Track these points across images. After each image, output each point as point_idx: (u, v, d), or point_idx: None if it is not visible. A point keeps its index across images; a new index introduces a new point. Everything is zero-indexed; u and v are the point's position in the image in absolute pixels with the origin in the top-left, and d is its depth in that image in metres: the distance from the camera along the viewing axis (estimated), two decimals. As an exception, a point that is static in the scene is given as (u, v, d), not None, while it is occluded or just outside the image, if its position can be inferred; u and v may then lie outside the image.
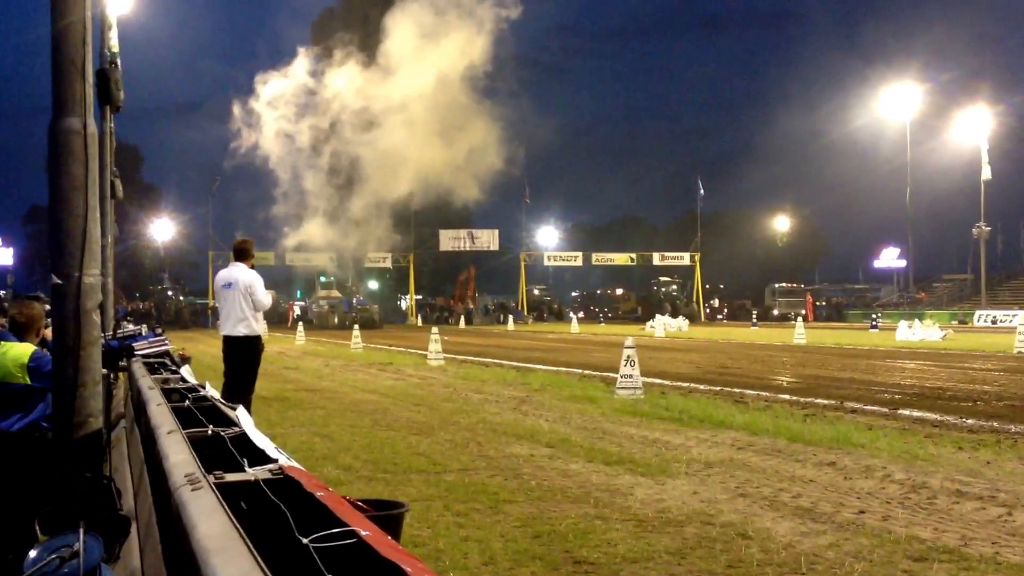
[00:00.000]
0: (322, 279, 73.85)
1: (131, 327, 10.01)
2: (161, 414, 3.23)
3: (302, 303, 70.80)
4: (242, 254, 10.18)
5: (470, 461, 8.13)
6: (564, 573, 4.76)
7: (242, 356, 9.92)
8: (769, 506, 6.33)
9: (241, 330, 9.85)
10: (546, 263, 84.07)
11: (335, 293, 70.00)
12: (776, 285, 77.97)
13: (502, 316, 69.94)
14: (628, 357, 13.38)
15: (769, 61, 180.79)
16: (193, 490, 1.90)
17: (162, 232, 78.58)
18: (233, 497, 1.92)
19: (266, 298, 10.12)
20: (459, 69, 44.26)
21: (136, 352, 6.44)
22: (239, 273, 9.94)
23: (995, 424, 10.32)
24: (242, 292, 9.81)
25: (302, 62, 46.39)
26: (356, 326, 36.54)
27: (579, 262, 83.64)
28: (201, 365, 15.29)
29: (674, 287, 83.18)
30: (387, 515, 2.91)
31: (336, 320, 61.37)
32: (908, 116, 77.29)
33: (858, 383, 16.12)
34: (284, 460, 2.34)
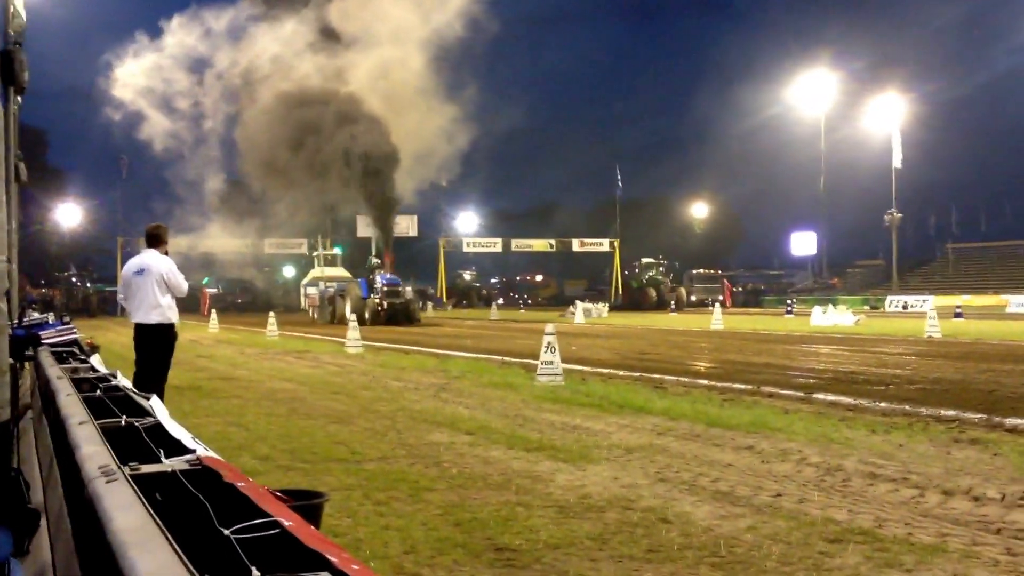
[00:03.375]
0: (318, 252, 64.84)
1: (36, 315, 9.73)
2: (71, 404, 3.13)
3: (214, 290, 66.58)
4: (155, 240, 9.95)
5: (390, 449, 8.07)
6: (486, 560, 4.74)
7: (155, 344, 9.71)
8: (688, 490, 6.39)
9: (154, 317, 9.63)
10: (465, 249, 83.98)
11: (342, 272, 60.51)
12: (694, 271, 78.31)
13: (421, 303, 69.69)
14: (548, 344, 13.42)
15: (691, 49, 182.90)
16: (108, 482, 1.83)
17: (68, 217, 76.37)
18: (150, 489, 1.85)
19: (185, 283, 9.93)
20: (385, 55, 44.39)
21: (43, 341, 6.25)
22: (152, 259, 9.72)
23: (907, 407, 10.57)
24: (156, 279, 9.59)
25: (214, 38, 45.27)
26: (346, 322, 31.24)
27: (499, 248, 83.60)
28: (111, 354, 14.94)
29: (660, 270, 73.14)
30: (307, 505, 2.87)
31: (345, 311, 38.48)
32: (823, 104, 78.92)
33: (774, 368, 16.41)
34: (202, 451, 2.28)
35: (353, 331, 21.71)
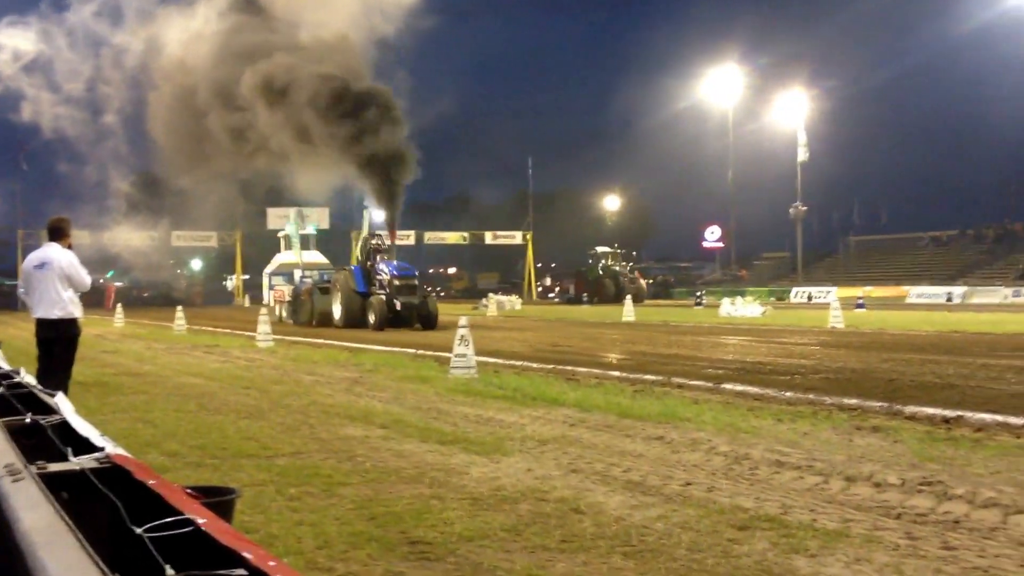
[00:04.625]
0: (288, 231, 52.79)
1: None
2: (-27, 402, 3.04)
3: (120, 284, 63.37)
4: (57, 233, 9.70)
5: (302, 444, 8.00)
6: (400, 554, 4.74)
7: (58, 339, 9.48)
8: (601, 481, 6.47)
9: (56, 312, 9.40)
10: (375, 242, 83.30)
11: (318, 258, 51.30)
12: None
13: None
14: (462, 336, 13.44)
15: (609, 42, 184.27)
16: (14, 481, 1.79)
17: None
18: (58, 488, 1.82)
19: (88, 278, 9.70)
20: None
21: (-59, 336, 6.04)
22: (55, 253, 9.47)
23: (812, 396, 10.84)
24: (58, 273, 9.36)
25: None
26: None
27: (412, 241, 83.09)
28: (13, 350, 14.48)
29: (618, 259, 68.45)
30: (219, 501, 2.83)
31: (332, 310, 31.87)
32: (731, 99, 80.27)
33: (684, 359, 16.69)
34: (111, 448, 2.24)
35: (264, 324, 21.41)
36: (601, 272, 66.77)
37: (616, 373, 14.00)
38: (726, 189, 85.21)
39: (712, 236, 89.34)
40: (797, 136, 74.28)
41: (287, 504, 5.77)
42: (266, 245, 78.64)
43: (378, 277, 30.75)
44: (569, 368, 14.76)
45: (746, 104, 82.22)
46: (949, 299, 58.59)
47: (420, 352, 18.34)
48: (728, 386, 12.03)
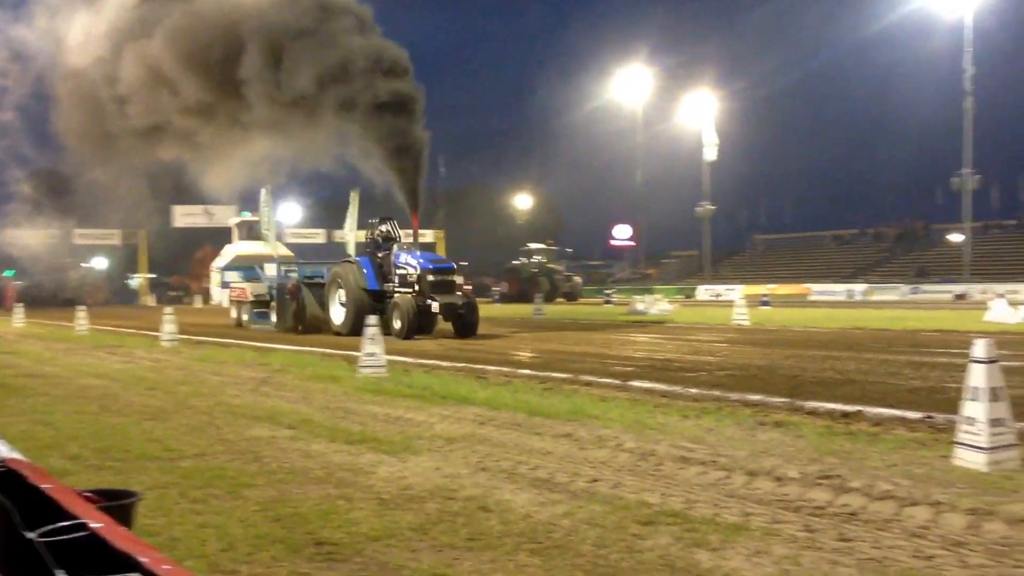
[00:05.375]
0: (241, 219, 46.26)
1: None
2: None
3: (19, 283, 60.21)
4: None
5: (208, 446, 7.88)
6: (306, 555, 4.71)
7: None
8: (509, 479, 6.51)
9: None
10: (287, 240, 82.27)
11: (285, 251, 38.35)
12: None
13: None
14: (371, 335, 13.37)
15: (520, 40, 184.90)
16: (-102, 488, 1.75)
17: None
18: (-55, 494, 1.78)
19: None
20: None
21: None
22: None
23: (717, 393, 11.04)
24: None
25: None
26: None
27: (322, 239, 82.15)
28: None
29: (551, 256, 66.22)
30: (118, 505, 2.79)
31: (329, 313, 25.76)
32: (640, 98, 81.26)
33: (593, 357, 16.85)
34: (5, 451, 2.20)
35: (169, 324, 21.00)
36: (536, 270, 65.50)
37: (526, 371, 14.08)
38: (636, 188, 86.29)
39: (621, 235, 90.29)
40: (704, 136, 75.52)
41: (191, 507, 5.69)
42: (172, 244, 76.77)
43: (398, 271, 24.17)
44: (479, 366, 14.79)
45: (656, 104, 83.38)
46: (850, 296, 60.24)
47: (329, 351, 18.19)
48: (636, 383, 12.19)
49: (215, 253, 70.30)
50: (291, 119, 27.77)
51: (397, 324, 22.80)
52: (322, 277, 27.27)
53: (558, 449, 7.64)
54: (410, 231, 26.35)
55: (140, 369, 15.13)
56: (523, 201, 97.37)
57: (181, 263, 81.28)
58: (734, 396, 10.72)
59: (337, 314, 25.32)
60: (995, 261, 69.21)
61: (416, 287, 23.38)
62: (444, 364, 15.32)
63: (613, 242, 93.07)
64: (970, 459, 6.58)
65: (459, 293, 23.88)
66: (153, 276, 78.30)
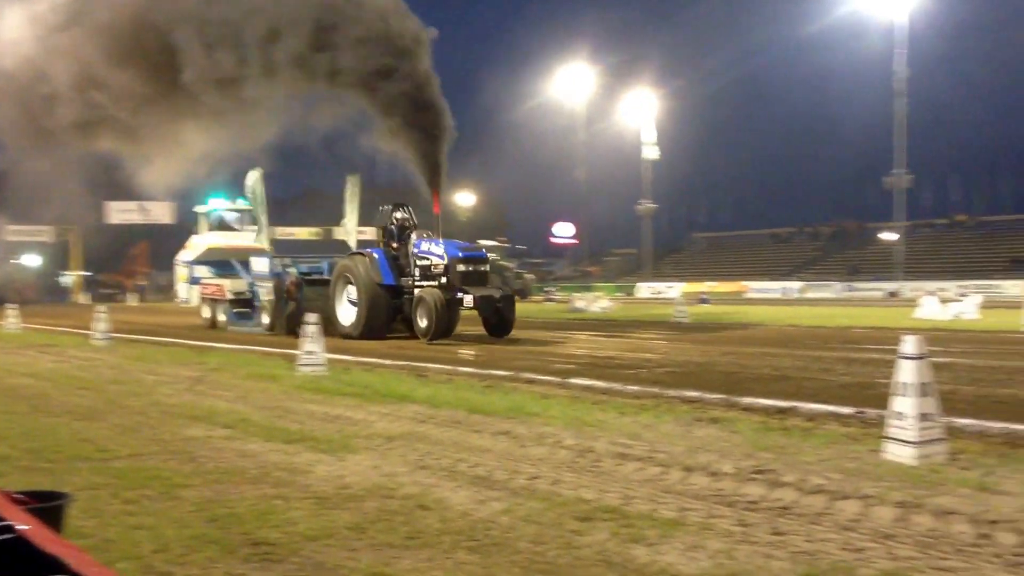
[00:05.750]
0: (208, 210, 38.44)
1: None
2: None
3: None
4: None
5: (142, 446, 7.76)
6: (241, 556, 4.67)
7: None
8: (448, 476, 6.51)
9: None
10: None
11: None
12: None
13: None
14: (311, 333, 13.27)
15: (462, 39, 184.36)
16: None
17: None
18: None
19: None
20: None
21: None
22: None
23: (656, 390, 11.12)
24: None
25: None
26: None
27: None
28: None
29: (504, 254, 61.10)
30: (47, 507, 2.74)
31: (335, 312, 22.35)
32: (582, 96, 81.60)
33: (534, 354, 16.90)
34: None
35: (101, 322, 20.65)
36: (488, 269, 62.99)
37: (467, 369, 14.07)
38: (578, 186, 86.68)
39: (562, 232, 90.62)
40: (645, 135, 76.08)
41: (123, 508, 5.60)
42: (106, 241, 75.11)
43: (419, 262, 21.33)
44: (419, 364, 14.75)
45: (598, 102, 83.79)
46: (786, 294, 61.13)
47: (268, 349, 18.02)
48: (576, 380, 12.24)
49: (150, 250, 68.87)
50: (265, 98, 25.19)
51: (423, 323, 19.88)
52: (321, 273, 24.38)
53: (498, 447, 7.66)
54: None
55: (72, 368, 14.86)
56: (465, 198, 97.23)
57: (115, 260, 79.82)
58: (672, 393, 10.82)
59: (346, 314, 22.11)
60: (926, 259, 70.75)
61: (442, 279, 20.40)
62: (385, 362, 15.26)
63: (554, 240, 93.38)
64: (899, 453, 6.72)
65: (496, 285, 21.67)
66: (87, 274, 76.82)
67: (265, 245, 26.62)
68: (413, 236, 22.10)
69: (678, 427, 8.48)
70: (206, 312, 29.25)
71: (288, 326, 22.86)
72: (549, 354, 16.97)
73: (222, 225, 33.89)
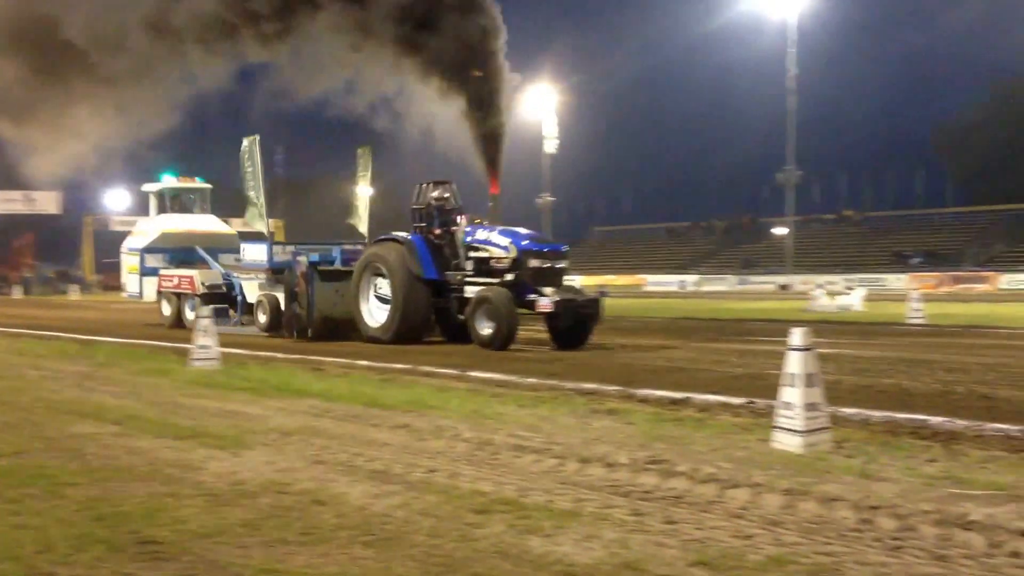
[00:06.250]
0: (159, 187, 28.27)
1: None
2: None
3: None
4: None
5: (26, 443, 7.51)
6: (130, 555, 4.56)
7: None
8: (344, 471, 6.46)
9: None
10: (114, 228, 78.79)
11: (218, 226, 28.46)
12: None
13: (64, 285, 64.48)
14: (204, 327, 13.01)
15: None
16: None
17: None
18: None
19: None
20: None
21: None
22: None
23: (553, 382, 11.21)
24: None
25: None
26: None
27: (152, 228, 78.80)
28: None
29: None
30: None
31: (361, 312, 18.66)
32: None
33: (436, 347, 16.88)
34: None
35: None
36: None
37: (364, 363, 13.97)
38: (478, 179, 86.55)
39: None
40: (545, 129, 76.45)
41: (6, 507, 5.41)
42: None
43: (474, 253, 17.77)
44: (315, 358, 14.60)
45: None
46: (682, 287, 62.22)
47: (159, 344, 17.62)
48: (475, 373, 12.26)
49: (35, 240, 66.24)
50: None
51: (486, 329, 16.36)
52: (332, 262, 20.15)
53: (396, 440, 7.62)
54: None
55: (-48, 364, 14.30)
56: (364, 191, 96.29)
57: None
58: (569, 385, 10.91)
59: (374, 313, 18.50)
60: (815, 253, 72.83)
61: (507, 276, 16.89)
62: (280, 356, 15.06)
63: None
64: (787, 442, 6.90)
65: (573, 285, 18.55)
66: None
67: (263, 227, 22.14)
68: (462, 221, 18.31)
69: (575, 419, 8.56)
70: (166, 309, 25.20)
71: (299, 327, 19.37)
72: (449, 346, 16.96)
73: (182, 206, 27.73)
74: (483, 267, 17.50)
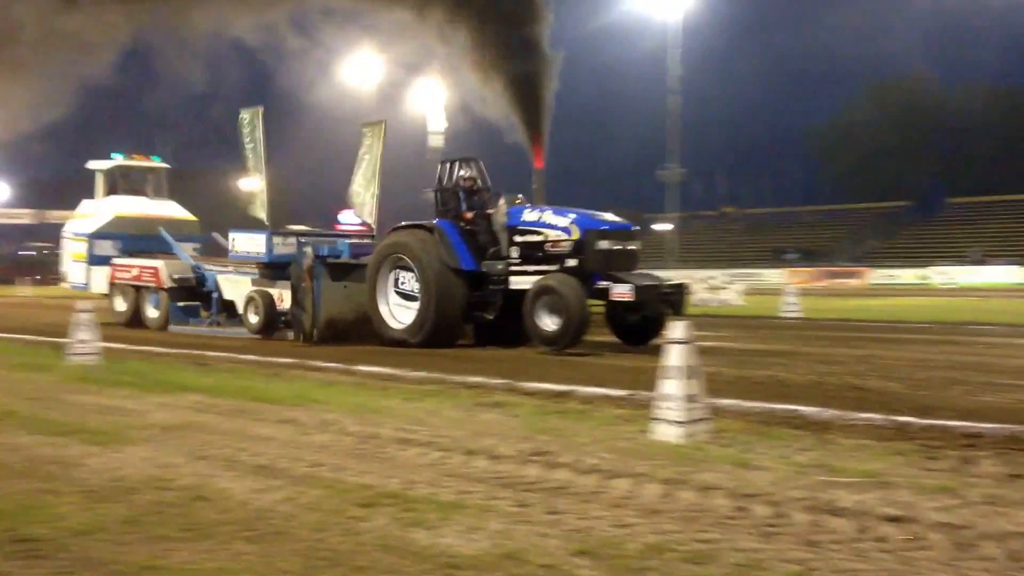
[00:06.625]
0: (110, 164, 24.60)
1: None
2: None
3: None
4: None
5: None
6: (5, 552, 4.46)
7: None
8: (228, 466, 6.40)
9: None
10: (-11, 218, 75.90)
11: (175, 209, 24.98)
12: None
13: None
14: (84, 321, 12.66)
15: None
16: None
17: None
18: None
19: None
20: None
21: None
22: None
23: (440, 375, 11.24)
24: None
25: None
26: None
27: (31, 220, 76.21)
28: None
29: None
30: None
31: (382, 312, 16.22)
32: (372, 82, 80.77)
33: (323, 342, 16.73)
34: None
35: None
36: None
37: (250, 357, 13.82)
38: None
39: (348, 220, 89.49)
40: (432, 124, 76.21)
41: None
42: None
43: (521, 238, 15.30)
44: (199, 352, 14.37)
45: (390, 90, 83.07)
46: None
47: (36, 338, 17.07)
48: (362, 367, 12.23)
49: None
50: None
51: (550, 325, 14.11)
52: (340, 255, 17.54)
53: (280, 435, 7.58)
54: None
55: None
56: (250, 183, 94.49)
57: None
58: (455, 379, 10.96)
59: (397, 313, 16.09)
60: (697, 249, 74.38)
61: (570, 261, 14.66)
62: (163, 351, 14.76)
63: (341, 227, 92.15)
64: (667, 433, 7.10)
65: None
66: None
67: (261, 214, 20.16)
68: (501, 203, 15.91)
69: (461, 412, 8.63)
70: (120, 304, 22.09)
71: (302, 330, 16.97)
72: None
73: (133, 186, 24.35)
74: (534, 253, 15.08)
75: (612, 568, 4.29)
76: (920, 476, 5.98)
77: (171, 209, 24.52)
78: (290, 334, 17.45)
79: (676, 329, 7.30)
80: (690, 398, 7.12)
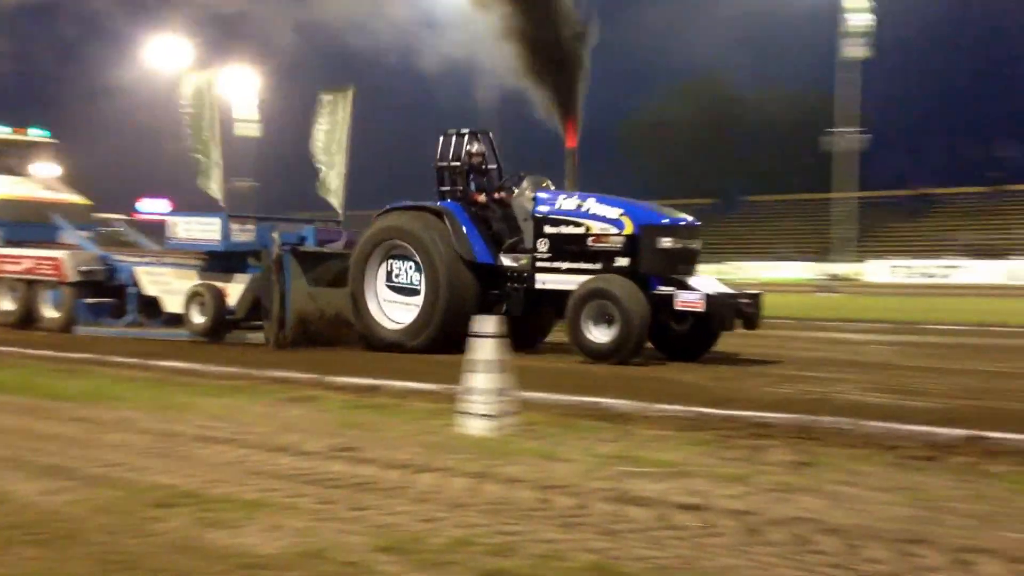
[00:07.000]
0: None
1: None
2: None
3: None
4: None
5: None
6: None
7: None
8: (13, 467, 6.06)
9: None
10: None
11: (65, 194, 21.07)
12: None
13: None
14: None
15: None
16: None
17: None
18: None
19: None
20: None
21: None
22: None
23: (245, 370, 10.96)
24: None
25: None
26: None
27: None
28: None
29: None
30: None
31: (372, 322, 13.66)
32: (177, 68, 78.05)
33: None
34: None
35: None
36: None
37: (42, 352, 13.14)
38: (175, 159, 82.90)
39: (150, 208, 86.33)
40: (240, 111, 74.41)
41: None
42: None
43: (552, 229, 12.94)
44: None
45: (201, 76, 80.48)
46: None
47: None
48: (162, 362, 11.80)
49: None
50: None
51: (602, 336, 11.99)
52: (303, 241, 15.46)
53: (72, 434, 7.25)
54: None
55: None
56: (48, 169, 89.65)
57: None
58: (260, 373, 10.72)
59: (390, 311, 13.75)
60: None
61: (620, 260, 12.47)
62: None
63: (142, 215, 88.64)
64: (477, 426, 7.17)
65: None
66: None
67: (218, 195, 17.02)
68: (525, 187, 13.59)
69: (266, 408, 8.46)
70: (8, 303, 18.47)
71: (275, 330, 14.16)
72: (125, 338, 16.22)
73: (5, 166, 20.78)
74: (571, 248, 12.80)
75: (416, 563, 4.28)
76: (716, 465, 6.25)
77: (61, 191, 21.12)
78: (249, 335, 15.34)
79: (484, 324, 7.36)
80: (500, 392, 7.20)
